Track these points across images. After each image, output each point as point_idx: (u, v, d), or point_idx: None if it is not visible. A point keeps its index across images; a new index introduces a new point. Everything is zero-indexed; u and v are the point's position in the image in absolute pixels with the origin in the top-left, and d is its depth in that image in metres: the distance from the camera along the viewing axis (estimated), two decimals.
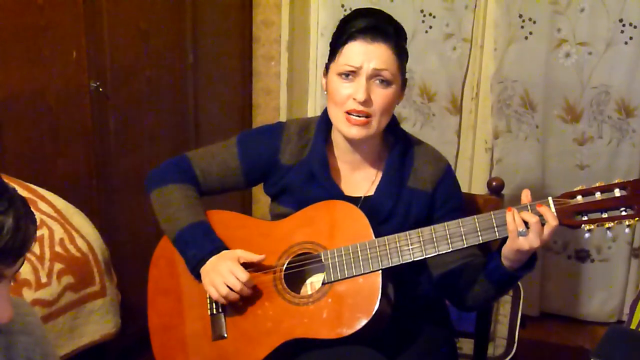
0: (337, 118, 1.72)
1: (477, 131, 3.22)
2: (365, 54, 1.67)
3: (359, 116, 1.68)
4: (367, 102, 1.67)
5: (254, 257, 1.71)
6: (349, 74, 1.69)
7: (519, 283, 2.61)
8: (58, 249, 1.98)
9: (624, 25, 2.88)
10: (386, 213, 1.74)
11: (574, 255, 3.21)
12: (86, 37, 2.37)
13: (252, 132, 1.89)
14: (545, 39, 2.98)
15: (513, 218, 1.55)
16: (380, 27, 1.69)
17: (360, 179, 1.80)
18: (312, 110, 3.43)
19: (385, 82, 1.69)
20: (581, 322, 3.25)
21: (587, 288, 3.23)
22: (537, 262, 1.62)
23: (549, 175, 3.14)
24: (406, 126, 3.25)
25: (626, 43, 2.90)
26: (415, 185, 1.77)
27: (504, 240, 1.60)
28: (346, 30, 1.70)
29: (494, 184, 2.01)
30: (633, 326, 1.62)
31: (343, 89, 1.69)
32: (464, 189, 3.17)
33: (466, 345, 2.40)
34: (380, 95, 1.69)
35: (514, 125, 3.12)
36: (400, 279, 1.72)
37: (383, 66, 1.67)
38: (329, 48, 1.76)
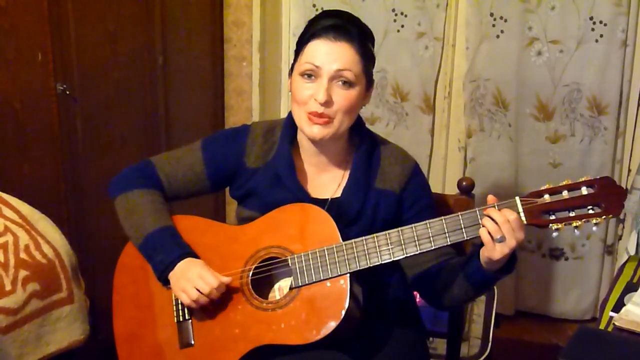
0: (300, 118, 1.70)
1: (450, 130, 3.22)
2: (328, 53, 1.65)
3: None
4: (328, 103, 1.65)
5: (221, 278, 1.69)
6: (311, 74, 1.67)
7: None
8: (23, 255, 1.95)
9: (594, 23, 2.89)
10: (354, 214, 1.73)
11: (548, 254, 3.22)
12: (52, 39, 2.32)
13: (217, 136, 1.86)
14: (516, 38, 2.98)
15: (487, 232, 1.52)
16: (344, 26, 1.67)
17: (327, 180, 1.78)
18: (285, 111, 3.40)
19: (348, 84, 1.67)
20: (556, 320, 3.25)
21: (562, 286, 3.24)
22: (516, 262, 1.59)
23: (522, 173, 3.14)
24: (380, 126, 3.25)
25: (597, 41, 2.91)
26: (382, 185, 1.75)
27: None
28: (310, 29, 1.70)
29: (464, 183, 2.00)
30: (602, 326, 1.62)
31: (305, 90, 1.68)
32: (438, 188, 3.21)
33: (440, 346, 2.40)
34: (342, 96, 1.67)
35: (487, 124, 3.13)
36: (370, 281, 1.71)
37: (345, 66, 1.65)
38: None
